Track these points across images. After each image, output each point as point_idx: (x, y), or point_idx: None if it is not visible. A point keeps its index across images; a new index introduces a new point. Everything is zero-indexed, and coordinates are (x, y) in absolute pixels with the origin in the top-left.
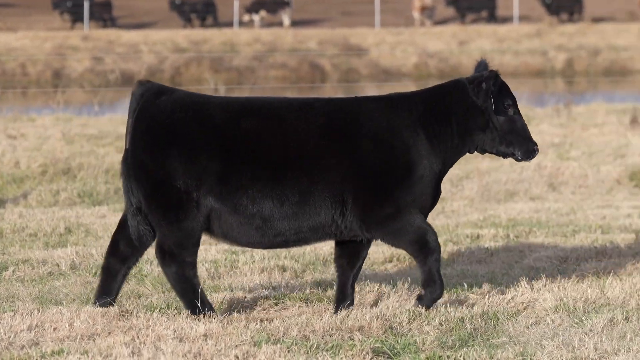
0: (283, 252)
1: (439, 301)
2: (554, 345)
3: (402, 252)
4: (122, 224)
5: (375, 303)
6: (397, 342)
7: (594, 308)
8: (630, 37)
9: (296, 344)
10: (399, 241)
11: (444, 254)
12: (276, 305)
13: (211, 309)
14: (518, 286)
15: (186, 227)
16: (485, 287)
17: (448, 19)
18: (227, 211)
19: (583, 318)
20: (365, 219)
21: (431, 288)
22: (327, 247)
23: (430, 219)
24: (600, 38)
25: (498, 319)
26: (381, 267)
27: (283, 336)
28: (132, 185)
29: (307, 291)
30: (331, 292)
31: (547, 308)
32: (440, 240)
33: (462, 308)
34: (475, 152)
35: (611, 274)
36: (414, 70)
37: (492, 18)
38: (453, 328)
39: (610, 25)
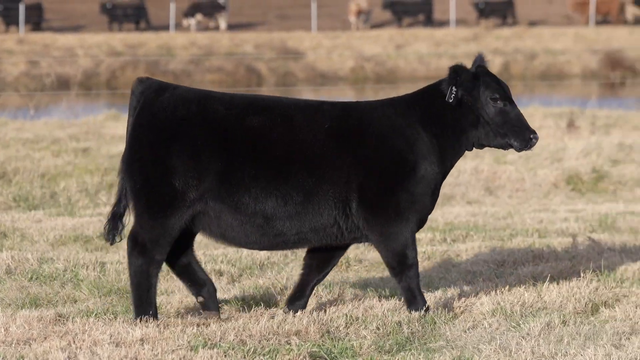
0: (220, 256)
1: (378, 306)
2: (491, 349)
3: None
4: None
5: (312, 307)
6: (334, 346)
7: (531, 312)
8: (567, 41)
9: (233, 349)
10: (384, 246)
11: (380, 258)
12: None
13: (155, 315)
14: (455, 290)
15: (168, 225)
16: (422, 291)
17: (385, 22)
18: (227, 209)
19: (520, 322)
20: (369, 218)
21: (414, 306)
22: (263, 252)
23: None
24: (537, 42)
25: (435, 322)
26: None
27: (220, 341)
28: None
29: (244, 295)
30: (268, 297)
31: (484, 312)
32: None
33: (400, 312)
34: (475, 148)
35: (548, 277)
36: (351, 74)
37: (429, 22)
38: (390, 332)
39: (547, 29)
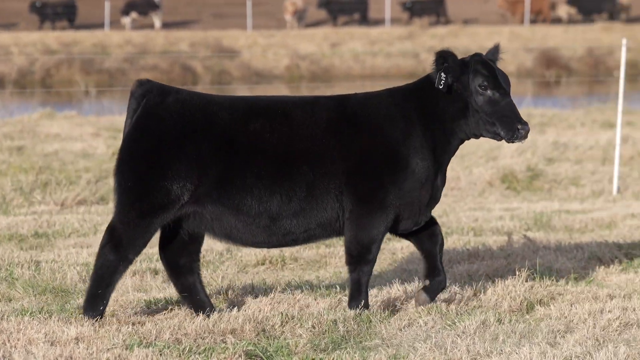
0: (155, 254)
1: (314, 305)
2: (426, 347)
3: (274, 254)
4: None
5: (247, 306)
6: (270, 344)
7: (466, 310)
8: (502, 40)
9: (168, 347)
10: (353, 233)
11: (315, 256)
12: (148, 308)
13: (102, 312)
14: (391, 288)
15: (152, 225)
16: None
17: (320, 21)
18: (228, 211)
19: (455, 320)
20: (354, 209)
21: (356, 301)
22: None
23: None
24: (472, 40)
25: (371, 321)
26: (253, 269)
27: (155, 339)
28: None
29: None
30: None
31: (420, 310)
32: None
33: (335, 310)
34: (471, 138)
35: (483, 276)
36: (286, 73)
37: (364, 20)
38: (326, 330)
39: (482, 27)
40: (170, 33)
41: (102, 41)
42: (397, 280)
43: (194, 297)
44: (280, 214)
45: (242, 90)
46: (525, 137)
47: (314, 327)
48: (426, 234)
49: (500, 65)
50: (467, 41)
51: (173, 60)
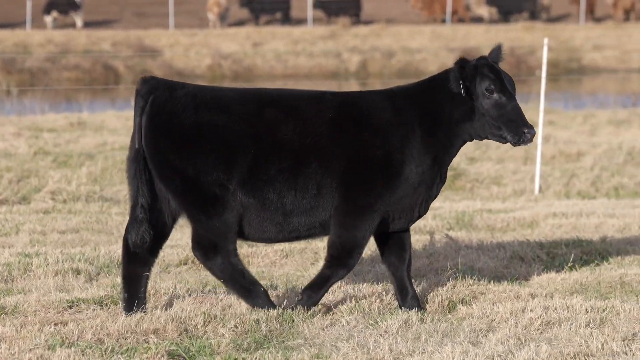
0: (77, 254)
1: (236, 304)
2: (349, 346)
3: None
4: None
5: (170, 305)
6: (193, 344)
7: (389, 309)
8: (424, 40)
9: (90, 348)
10: (338, 234)
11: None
12: (70, 308)
13: (265, 292)
14: None
15: (226, 219)
16: (280, 289)
17: (242, 20)
18: (255, 205)
19: (378, 319)
20: (339, 206)
21: (311, 291)
22: (120, 250)
23: None
24: (395, 40)
25: (293, 320)
26: (176, 269)
27: (77, 339)
28: (144, 186)
29: (102, 294)
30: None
31: (343, 310)
32: None
33: (258, 310)
34: (475, 140)
35: None
36: (208, 72)
37: (286, 20)
38: (248, 330)
39: (404, 27)
40: (92, 32)
41: (23, 40)
42: None
43: (134, 289)
44: (292, 211)
45: None
46: (531, 140)
47: (236, 327)
48: (395, 247)
49: (422, 64)
50: (389, 41)
51: (95, 59)
